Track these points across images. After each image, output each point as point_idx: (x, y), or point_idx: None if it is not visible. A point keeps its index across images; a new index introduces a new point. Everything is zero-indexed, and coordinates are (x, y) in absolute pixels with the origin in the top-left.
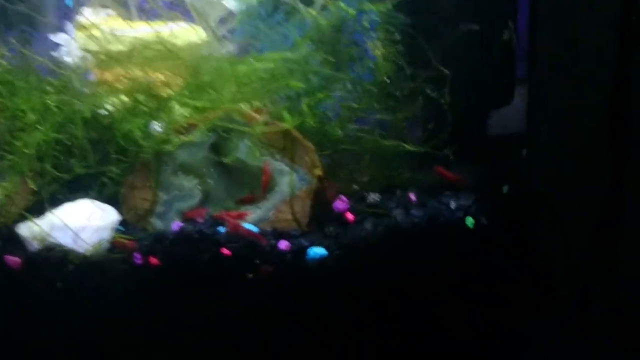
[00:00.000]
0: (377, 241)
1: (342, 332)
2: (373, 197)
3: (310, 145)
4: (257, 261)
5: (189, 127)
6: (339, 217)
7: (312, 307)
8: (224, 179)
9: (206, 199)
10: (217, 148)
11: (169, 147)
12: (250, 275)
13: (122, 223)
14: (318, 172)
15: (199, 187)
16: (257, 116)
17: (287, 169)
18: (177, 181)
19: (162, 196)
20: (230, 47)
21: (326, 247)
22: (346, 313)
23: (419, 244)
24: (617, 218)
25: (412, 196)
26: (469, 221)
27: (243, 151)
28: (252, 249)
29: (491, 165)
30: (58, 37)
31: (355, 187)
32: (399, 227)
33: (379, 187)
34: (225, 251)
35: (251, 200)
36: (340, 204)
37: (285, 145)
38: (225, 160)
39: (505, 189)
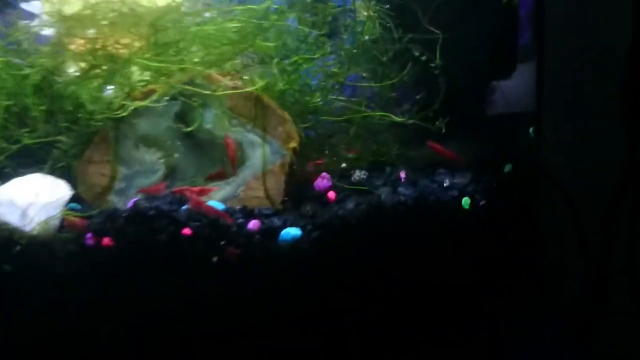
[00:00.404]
0: (357, 222)
1: (315, 322)
2: (359, 174)
3: (285, 114)
4: (222, 242)
5: (149, 93)
6: (319, 195)
7: (284, 293)
8: (192, 152)
9: (172, 175)
10: (183, 118)
11: (121, 114)
12: (215, 259)
13: (79, 201)
14: (294, 144)
15: (162, 161)
16: (224, 80)
17: (258, 140)
18: (139, 155)
19: (122, 171)
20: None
21: (301, 228)
22: (320, 300)
23: (405, 224)
24: (634, 201)
25: (402, 174)
26: (465, 202)
27: (210, 121)
28: (216, 229)
29: (491, 142)
30: (30, 5)
31: (338, 163)
32: (382, 206)
33: (366, 165)
34: (186, 231)
35: (220, 176)
36: (322, 181)
37: (256, 114)
38: (188, 130)
39: (507, 168)
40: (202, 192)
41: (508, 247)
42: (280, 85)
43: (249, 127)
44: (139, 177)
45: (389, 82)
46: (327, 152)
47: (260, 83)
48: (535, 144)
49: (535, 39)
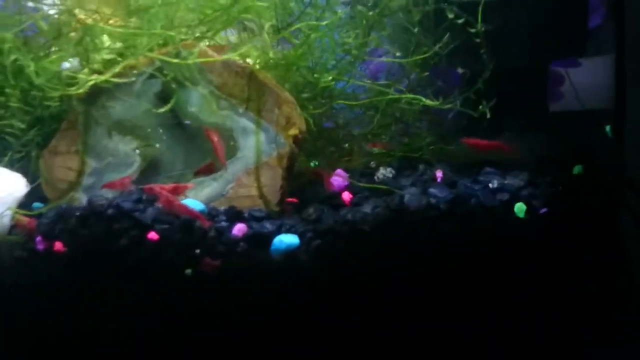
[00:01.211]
0: (372, 229)
1: (312, 355)
2: (383, 172)
3: (286, 94)
4: (197, 251)
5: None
6: (332, 197)
7: (274, 317)
8: (179, 142)
9: (154, 169)
10: (166, 100)
11: (77, 90)
12: (188, 272)
13: (42, 199)
14: (294, 130)
15: (138, 152)
16: (213, 54)
17: (252, 126)
18: (112, 145)
19: (92, 164)
20: None
21: (299, 235)
22: (320, 328)
23: (435, 234)
24: None
25: (439, 173)
26: (520, 208)
27: (195, 103)
28: (190, 234)
29: (557, 138)
30: None
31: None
32: (405, 210)
33: (396, 162)
34: (152, 235)
35: (210, 170)
36: (337, 179)
37: (250, 94)
38: (159, 111)
39: (577, 169)
40: (177, 190)
41: (578, 268)
42: (281, 61)
43: (240, 110)
44: (111, 170)
45: (420, 56)
46: (346, 145)
47: (254, 55)
48: (614, 143)
49: (611, 19)
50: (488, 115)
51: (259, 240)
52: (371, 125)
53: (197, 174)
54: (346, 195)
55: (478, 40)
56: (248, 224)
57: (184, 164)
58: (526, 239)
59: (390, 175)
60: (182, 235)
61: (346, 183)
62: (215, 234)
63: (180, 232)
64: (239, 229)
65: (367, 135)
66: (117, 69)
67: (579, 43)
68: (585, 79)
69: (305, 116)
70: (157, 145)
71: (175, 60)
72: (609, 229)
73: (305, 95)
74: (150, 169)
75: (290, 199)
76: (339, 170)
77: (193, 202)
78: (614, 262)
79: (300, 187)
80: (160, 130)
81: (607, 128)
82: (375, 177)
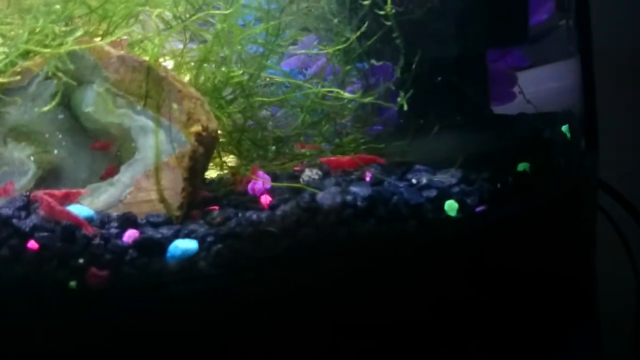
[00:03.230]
0: (281, 229)
1: None
2: (309, 174)
3: (188, 89)
4: (81, 261)
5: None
6: (250, 200)
7: (167, 328)
8: (82, 147)
9: (56, 176)
10: (65, 102)
11: None
12: (73, 284)
13: None
14: (196, 127)
15: (33, 159)
16: (109, 49)
17: (150, 125)
18: (7, 153)
19: None
20: None
21: (200, 240)
22: (217, 335)
23: (352, 234)
24: None
25: (368, 173)
26: (450, 206)
27: (91, 103)
28: (72, 242)
29: (501, 138)
30: None
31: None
32: (316, 209)
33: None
34: (32, 244)
35: (112, 174)
36: (256, 182)
37: (148, 91)
38: (44, 110)
39: (522, 166)
40: (68, 196)
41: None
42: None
43: (138, 107)
44: (6, 180)
45: (339, 47)
46: (272, 146)
47: (150, 49)
48: (575, 143)
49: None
50: (405, 108)
51: (152, 247)
52: (295, 125)
53: (102, 179)
54: (264, 199)
55: (389, 24)
56: (142, 230)
57: (89, 170)
58: (461, 242)
59: (317, 177)
60: (63, 243)
61: (267, 186)
62: (101, 241)
63: (62, 240)
64: (129, 235)
65: (296, 136)
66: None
67: (519, 31)
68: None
69: (219, 115)
70: (56, 152)
71: (47, 50)
72: (574, 233)
73: (224, 93)
74: (51, 176)
75: (211, 207)
76: (259, 173)
77: (80, 208)
78: (581, 276)
79: (226, 193)
80: (60, 135)
81: (564, 128)
82: (301, 179)
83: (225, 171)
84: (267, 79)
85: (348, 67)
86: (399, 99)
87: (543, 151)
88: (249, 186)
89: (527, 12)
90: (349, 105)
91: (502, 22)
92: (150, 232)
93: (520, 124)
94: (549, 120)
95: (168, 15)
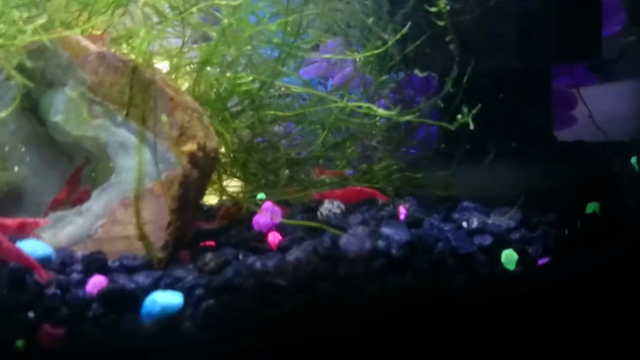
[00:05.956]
0: (291, 284)
1: None
2: (329, 206)
3: (183, 96)
4: (31, 314)
5: None
6: (256, 238)
7: None
8: (50, 163)
9: (15, 199)
10: (32, 108)
11: None
12: (20, 343)
13: None
14: (191, 146)
15: None
16: (86, 43)
17: (132, 140)
18: None
19: None
20: None
21: (185, 292)
22: None
23: (383, 291)
24: None
25: (403, 208)
26: (507, 257)
27: (60, 110)
28: (21, 290)
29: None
30: None
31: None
32: (339, 256)
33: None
34: None
35: (82, 199)
36: (261, 216)
37: (132, 97)
38: (1, 115)
39: (591, 207)
40: (24, 227)
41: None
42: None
43: (119, 118)
44: None
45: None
46: (285, 171)
47: (138, 48)
48: None
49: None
50: (471, 127)
51: (123, 301)
52: (314, 145)
53: (74, 204)
54: (272, 237)
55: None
56: (111, 277)
57: (58, 190)
58: (519, 302)
59: (338, 211)
60: (9, 291)
61: (275, 221)
62: (58, 290)
63: (8, 287)
64: (94, 283)
65: (314, 159)
66: None
67: (591, 45)
68: (606, 104)
69: (222, 131)
70: (17, 169)
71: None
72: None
73: (230, 104)
74: (9, 199)
75: (207, 242)
76: (267, 204)
77: (35, 244)
78: None
79: (225, 227)
80: (23, 149)
81: (633, 160)
82: (319, 213)
83: (225, 198)
84: (282, 89)
85: (383, 78)
86: (458, 118)
87: (614, 188)
88: (254, 219)
89: (601, 22)
90: (377, 124)
91: (574, 32)
92: (122, 279)
93: (584, 154)
94: (617, 150)
95: (165, 8)
